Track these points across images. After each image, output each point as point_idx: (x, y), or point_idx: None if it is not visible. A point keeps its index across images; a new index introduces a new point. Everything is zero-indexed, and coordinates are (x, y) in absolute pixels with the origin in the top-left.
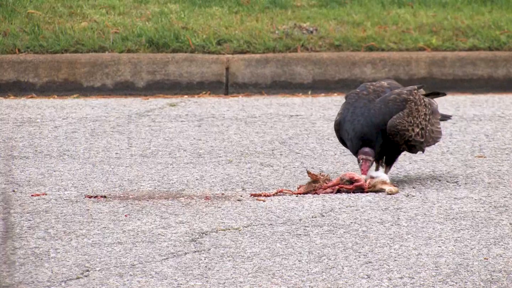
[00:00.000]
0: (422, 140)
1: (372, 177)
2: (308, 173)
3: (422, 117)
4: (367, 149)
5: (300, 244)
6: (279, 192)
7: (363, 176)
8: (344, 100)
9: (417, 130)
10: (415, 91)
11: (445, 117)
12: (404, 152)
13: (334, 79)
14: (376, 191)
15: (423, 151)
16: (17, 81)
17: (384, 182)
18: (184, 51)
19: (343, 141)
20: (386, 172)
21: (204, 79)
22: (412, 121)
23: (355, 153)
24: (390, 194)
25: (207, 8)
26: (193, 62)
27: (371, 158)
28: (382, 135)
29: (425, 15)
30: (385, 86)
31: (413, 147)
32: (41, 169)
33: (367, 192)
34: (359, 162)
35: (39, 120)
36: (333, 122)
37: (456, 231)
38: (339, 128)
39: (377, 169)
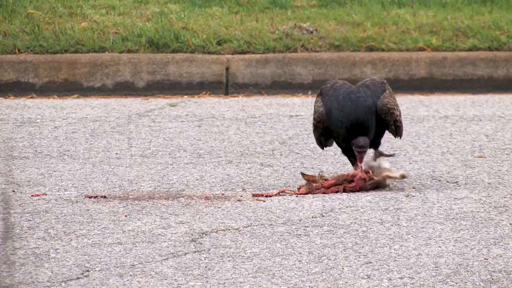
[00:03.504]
0: (402, 123)
1: (371, 167)
2: (303, 175)
3: (397, 102)
4: (360, 140)
5: (300, 244)
6: (281, 192)
7: (359, 167)
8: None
9: (399, 111)
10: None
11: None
12: (404, 153)
13: (334, 79)
14: (383, 180)
15: (400, 136)
16: (17, 81)
17: (389, 170)
18: (184, 51)
19: (326, 135)
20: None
21: (204, 79)
22: (394, 102)
23: (347, 142)
24: (404, 178)
25: (207, 8)
26: (193, 62)
27: (366, 149)
28: (375, 117)
29: (425, 15)
30: (345, 83)
31: (398, 128)
32: (41, 169)
33: (369, 182)
34: (355, 154)
35: (39, 120)
36: (315, 118)
37: (456, 231)
38: (327, 118)
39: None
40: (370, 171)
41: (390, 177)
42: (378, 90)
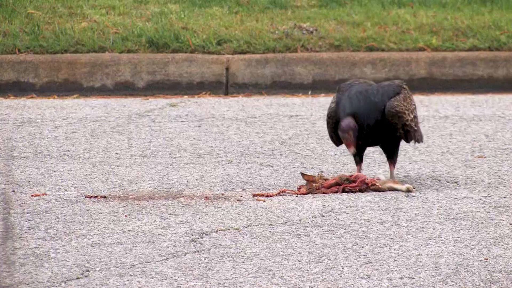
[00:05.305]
0: (415, 128)
1: (378, 178)
2: (303, 175)
3: (413, 107)
4: (345, 121)
5: (300, 244)
6: (281, 192)
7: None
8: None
9: (411, 116)
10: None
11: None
12: (404, 153)
13: (334, 79)
14: (385, 190)
15: (415, 140)
16: (17, 81)
17: (395, 182)
18: (184, 51)
19: (335, 132)
20: (391, 169)
21: (204, 79)
22: (407, 106)
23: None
24: (410, 191)
25: (207, 8)
26: (193, 62)
27: (345, 133)
28: (381, 118)
29: (425, 15)
30: (366, 81)
31: (408, 133)
32: (41, 169)
33: (372, 188)
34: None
35: (39, 120)
36: (327, 114)
37: (456, 231)
38: (336, 109)
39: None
40: (376, 180)
41: (395, 189)
42: (391, 91)
